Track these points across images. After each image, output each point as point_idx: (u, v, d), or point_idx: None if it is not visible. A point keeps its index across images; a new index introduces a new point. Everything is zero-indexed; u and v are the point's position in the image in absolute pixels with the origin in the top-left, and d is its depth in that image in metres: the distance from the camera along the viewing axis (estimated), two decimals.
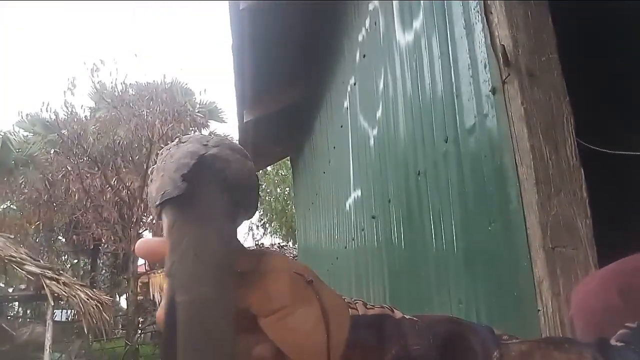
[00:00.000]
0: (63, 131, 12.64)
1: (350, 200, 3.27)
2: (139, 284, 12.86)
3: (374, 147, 2.68)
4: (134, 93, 14.29)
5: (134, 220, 12.10)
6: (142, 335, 13.26)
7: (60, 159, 13.19)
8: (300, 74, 4.42)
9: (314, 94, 4.33)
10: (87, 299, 8.15)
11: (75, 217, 12.87)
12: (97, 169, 12.59)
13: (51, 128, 13.21)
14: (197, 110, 15.00)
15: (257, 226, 17.99)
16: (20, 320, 13.77)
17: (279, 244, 14.46)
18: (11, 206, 14.84)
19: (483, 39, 1.45)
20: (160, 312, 0.37)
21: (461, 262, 1.64)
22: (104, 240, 13.44)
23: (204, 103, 15.46)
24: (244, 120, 4.72)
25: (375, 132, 2.67)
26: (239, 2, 3.39)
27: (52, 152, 13.79)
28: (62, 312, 11.72)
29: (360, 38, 2.91)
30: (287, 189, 16.29)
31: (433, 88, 1.86)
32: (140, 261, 12.66)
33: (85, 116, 14.21)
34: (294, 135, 5.38)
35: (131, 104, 13.61)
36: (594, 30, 1.97)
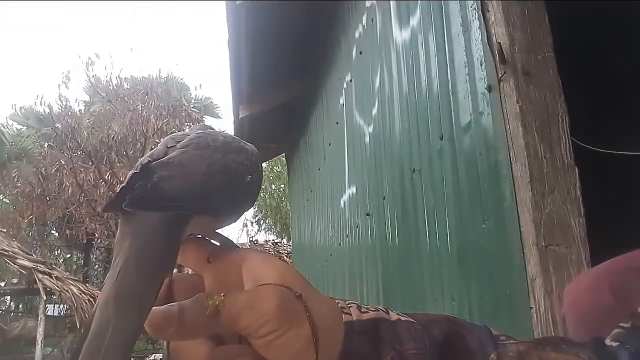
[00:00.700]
0: (57, 125, 12.56)
1: (344, 197, 3.27)
2: None
3: (369, 144, 2.68)
4: (129, 87, 14.21)
5: None
6: None
7: (53, 152, 13.12)
8: (296, 71, 4.41)
9: (310, 90, 4.32)
10: (80, 294, 8.11)
11: (68, 212, 12.79)
12: (91, 163, 12.53)
13: (45, 121, 13.12)
14: (192, 106, 14.93)
15: (252, 222, 17.97)
16: (12, 314, 13.70)
17: (273, 240, 14.45)
18: (4, 200, 14.75)
19: (480, 37, 1.45)
20: None
21: (455, 259, 1.65)
22: (97, 235, 13.36)
23: (200, 98, 15.40)
24: (240, 116, 4.70)
25: (370, 129, 2.67)
26: None
27: (45, 145, 13.70)
28: (54, 306, 11.68)
29: (357, 35, 2.90)
30: (282, 185, 16.29)
31: (429, 85, 1.86)
32: None
33: (80, 110, 14.11)
34: (290, 131, 5.38)
35: (126, 99, 13.54)
36: (589, 30, 1.98)
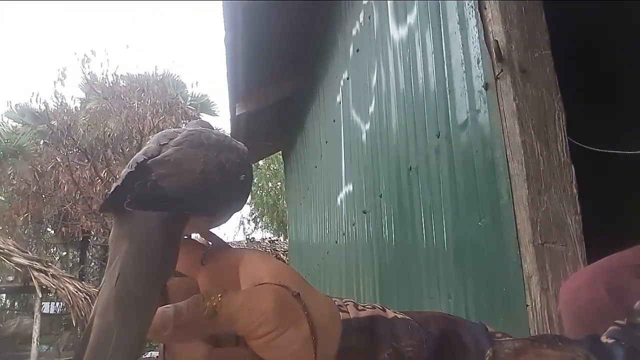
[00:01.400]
0: (53, 122, 12.52)
1: (341, 195, 3.27)
2: None
3: (366, 141, 2.68)
4: (125, 85, 14.17)
5: None
6: None
7: (49, 150, 13.08)
8: (293, 68, 4.40)
9: (306, 88, 4.32)
10: (76, 292, 8.10)
11: (64, 209, 12.76)
12: (87, 160, 12.49)
13: (41, 119, 13.07)
14: (188, 103, 14.90)
15: (248, 220, 17.97)
16: (8, 312, 13.66)
17: (270, 238, 14.45)
18: None
19: (477, 35, 1.45)
20: None
21: (451, 256, 1.65)
22: (93, 233, 13.35)
23: (196, 96, 15.37)
24: (236, 114, 4.69)
25: (367, 126, 2.67)
26: None
27: (41, 143, 13.65)
28: (50, 304, 11.64)
29: (353, 32, 2.90)
30: (279, 183, 16.28)
31: (426, 83, 1.86)
32: None
33: (76, 107, 14.07)
34: (286, 129, 5.37)
35: (122, 96, 13.49)
36: (586, 28, 1.98)
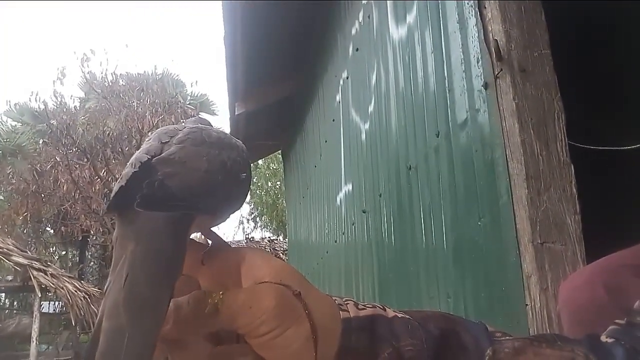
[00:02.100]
0: (52, 121, 12.50)
1: (341, 195, 3.27)
2: None
3: (366, 141, 2.68)
4: (124, 84, 14.15)
5: None
6: None
7: (48, 149, 13.05)
8: (292, 67, 4.40)
9: (306, 87, 4.32)
10: (75, 291, 8.09)
11: (63, 208, 12.74)
12: (86, 160, 12.48)
13: (40, 118, 13.05)
14: (188, 102, 14.90)
15: (248, 220, 17.97)
16: (7, 311, 13.66)
17: (269, 237, 14.45)
18: None
19: (476, 34, 1.45)
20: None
21: (450, 256, 1.65)
22: (92, 232, 13.33)
23: (196, 95, 15.36)
24: (236, 113, 4.69)
25: (367, 126, 2.66)
26: None
27: (40, 142, 13.63)
28: (49, 303, 11.63)
29: (353, 31, 2.90)
30: (278, 182, 16.27)
31: (425, 82, 1.85)
32: None
33: (75, 106, 14.06)
34: (286, 128, 5.37)
35: (121, 95, 13.48)
36: (586, 27, 1.98)
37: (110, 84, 13.75)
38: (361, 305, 0.41)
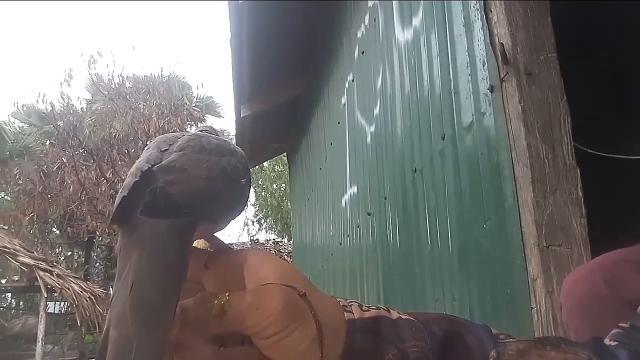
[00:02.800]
0: (59, 123, 12.57)
1: (346, 197, 3.27)
2: None
3: (371, 143, 2.68)
4: (131, 86, 14.22)
5: None
6: None
7: (55, 150, 13.13)
8: (298, 70, 4.41)
9: (311, 89, 4.32)
10: (81, 291, 8.13)
11: (69, 209, 12.81)
12: (92, 161, 12.54)
13: (47, 119, 13.13)
14: (194, 105, 14.94)
15: (253, 222, 17.99)
16: (13, 311, 13.73)
17: (274, 239, 14.45)
18: (5, 197, 14.78)
19: (482, 37, 1.45)
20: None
21: (456, 259, 1.65)
22: (98, 233, 13.37)
23: (201, 97, 15.40)
24: (241, 115, 4.70)
25: (372, 128, 2.67)
26: None
27: (47, 143, 13.71)
28: (55, 304, 11.69)
29: (359, 34, 2.90)
30: (283, 185, 16.28)
31: (431, 85, 1.86)
32: None
33: (82, 108, 14.13)
34: (291, 131, 5.38)
35: (128, 97, 13.55)
36: (592, 31, 1.98)
37: (117, 86, 13.82)
38: (365, 307, 0.41)
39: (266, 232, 18.01)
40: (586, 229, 1.20)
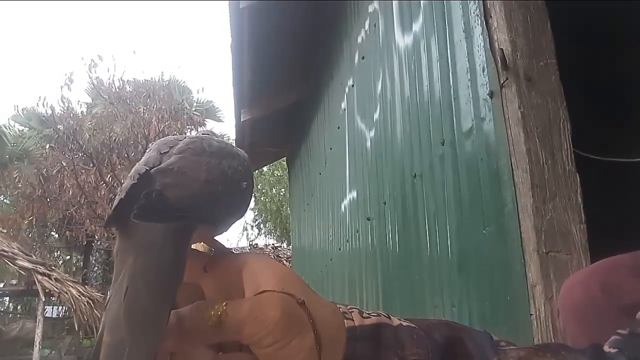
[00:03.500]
0: (59, 126, 12.58)
1: (345, 202, 3.27)
2: None
3: (371, 148, 2.68)
4: (131, 90, 14.24)
5: None
6: None
7: (55, 154, 13.13)
8: (298, 75, 4.42)
9: (311, 94, 4.33)
10: (79, 296, 8.10)
11: (69, 213, 12.79)
12: (92, 165, 12.54)
13: (47, 123, 13.14)
14: (194, 109, 14.95)
15: (252, 226, 17.96)
16: (10, 315, 13.67)
17: (273, 244, 14.43)
18: (4, 200, 14.75)
19: (482, 43, 1.45)
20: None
21: (455, 265, 1.64)
22: (97, 237, 13.35)
23: (202, 102, 15.42)
24: (241, 120, 4.71)
25: (372, 133, 2.67)
26: (239, 2, 3.39)
27: (47, 147, 13.71)
28: (53, 308, 11.65)
29: (359, 39, 2.91)
30: (283, 190, 16.28)
31: (431, 91, 1.86)
32: None
33: (82, 112, 14.14)
34: (291, 135, 5.38)
35: (128, 101, 13.56)
36: (592, 37, 1.98)
37: (117, 89, 13.84)
38: (366, 314, 0.41)
39: (265, 236, 17.99)
40: (586, 234, 1.20)
